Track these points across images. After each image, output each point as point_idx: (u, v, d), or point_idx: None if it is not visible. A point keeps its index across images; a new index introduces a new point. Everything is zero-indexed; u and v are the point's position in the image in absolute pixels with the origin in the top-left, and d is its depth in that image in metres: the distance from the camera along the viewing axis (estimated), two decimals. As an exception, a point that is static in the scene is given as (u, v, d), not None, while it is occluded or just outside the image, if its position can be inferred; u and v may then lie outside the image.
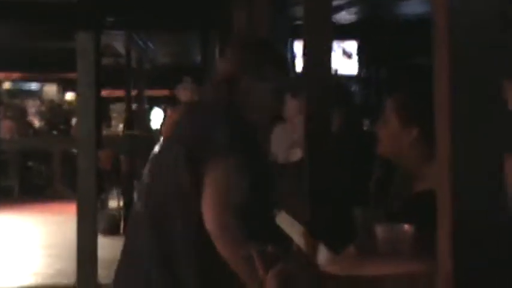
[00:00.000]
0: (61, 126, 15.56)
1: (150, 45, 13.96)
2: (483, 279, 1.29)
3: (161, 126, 7.37)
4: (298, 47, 10.45)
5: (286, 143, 4.82)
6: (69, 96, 18.39)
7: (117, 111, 18.13)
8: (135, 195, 2.68)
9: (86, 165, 5.63)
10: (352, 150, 3.93)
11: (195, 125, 2.44)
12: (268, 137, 4.81)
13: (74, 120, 14.43)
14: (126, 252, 2.54)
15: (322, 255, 2.15)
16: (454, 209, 1.29)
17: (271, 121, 2.73)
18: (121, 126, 14.78)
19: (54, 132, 15.73)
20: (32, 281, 7.12)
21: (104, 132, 12.32)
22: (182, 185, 2.34)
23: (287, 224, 2.84)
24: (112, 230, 9.19)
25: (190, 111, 2.64)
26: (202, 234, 2.29)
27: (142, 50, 14.02)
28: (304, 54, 2.86)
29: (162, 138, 2.70)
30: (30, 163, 13.77)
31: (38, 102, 18.34)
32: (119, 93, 14.62)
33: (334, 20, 11.20)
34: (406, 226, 1.86)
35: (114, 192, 10.93)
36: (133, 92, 14.23)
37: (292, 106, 4.40)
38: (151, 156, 2.56)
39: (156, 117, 17.06)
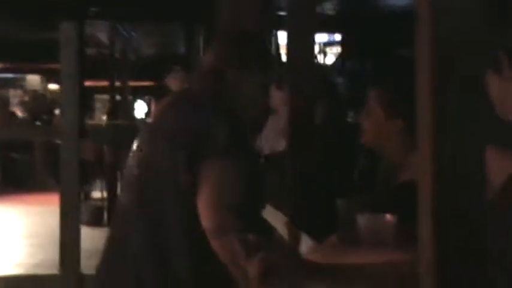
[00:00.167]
0: (44, 116, 15.48)
1: (134, 35, 13.91)
2: (464, 267, 1.30)
3: (146, 116, 7.35)
4: (282, 37, 10.44)
5: (272, 134, 4.83)
6: (53, 86, 18.31)
7: (101, 102, 18.08)
8: (120, 187, 2.64)
9: (69, 156, 5.59)
10: (336, 141, 3.94)
11: (189, 120, 2.39)
12: (257, 132, 4.81)
13: (57, 111, 14.37)
14: (112, 246, 2.49)
15: (305, 244, 2.17)
16: (435, 198, 1.29)
17: (259, 116, 2.72)
18: (104, 117, 14.73)
19: (38, 123, 15.66)
20: (15, 271, 7.10)
21: (88, 122, 12.28)
22: (180, 183, 2.31)
23: (270, 213, 2.85)
24: (95, 221, 9.17)
25: (179, 101, 2.58)
26: (198, 232, 2.27)
27: (127, 40, 13.97)
28: (288, 45, 2.86)
29: (145, 128, 2.68)
30: (12, 154, 13.71)
31: (20, 93, 18.24)
32: (103, 83, 14.57)
33: (318, 12, 11.21)
34: (388, 216, 1.87)
35: (98, 183, 10.91)
36: (117, 83, 14.19)
37: (277, 97, 4.41)
38: (136, 146, 2.52)
39: (140, 108, 17.02)
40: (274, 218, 2.81)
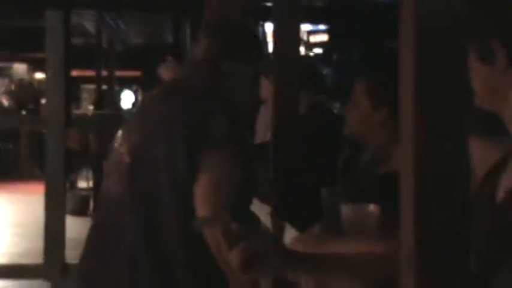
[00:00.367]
0: (30, 106, 15.43)
1: (121, 25, 13.86)
2: (446, 258, 1.30)
3: (133, 106, 7.32)
4: (268, 28, 10.43)
5: (263, 124, 4.83)
6: (40, 75, 18.23)
7: (87, 91, 18.03)
8: (106, 173, 2.57)
9: (54, 145, 5.58)
10: (321, 131, 3.95)
11: (185, 110, 2.37)
12: (251, 123, 4.81)
13: (43, 100, 14.31)
14: (102, 235, 2.45)
15: (289, 234, 2.17)
16: (417, 188, 1.29)
17: (253, 107, 2.71)
18: (91, 106, 14.69)
19: (24, 112, 15.59)
20: (-1, 260, 7.09)
21: (74, 112, 12.25)
22: (177, 173, 2.28)
23: (255, 203, 2.84)
24: (81, 211, 9.16)
25: (173, 92, 2.55)
26: (193, 222, 2.23)
27: (113, 30, 13.92)
28: (274, 35, 2.85)
29: (135, 117, 2.64)
30: (-2, 143, 13.67)
31: (7, 82, 18.15)
32: (90, 73, 14.53)
33: (306, 3, 11.21)
34: (372, 206, 1.87)
35: (84, 172, 10.88)
36: (104, 73, 14.14)
37: (267, 87, 4.40)
38: (123, 134, 2.46)
39: (127, 98, 16.99)
40: (259, 208, 2.81)
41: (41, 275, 5.48)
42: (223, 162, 2.27)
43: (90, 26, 13.35)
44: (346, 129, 2.51)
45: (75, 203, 9.30)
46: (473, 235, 1.33)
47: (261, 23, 9.96)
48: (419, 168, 1.30)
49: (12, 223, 8.96)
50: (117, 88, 15.97)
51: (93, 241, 2.47)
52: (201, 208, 2.24)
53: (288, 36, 2.81)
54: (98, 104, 12.21)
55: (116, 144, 2.46)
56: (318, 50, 12.79)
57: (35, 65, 18.13)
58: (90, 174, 10.19)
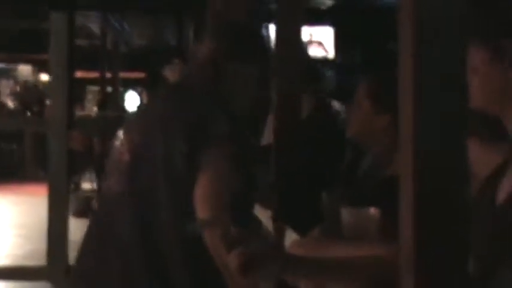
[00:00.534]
0: (35, 107, 15.45)
1: (126, 26, 13.87)
2: (445, 261, 1.29)
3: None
4: (271, 30, 10.41)
5: (269, 126, 4.83)
6: (45, 77, 18.25)
7: (92, 93, 18.04)
8: (107, 172, 2.56)
9: (57, 147, 5.58)
10: (323, 134, 3.94)
11: (184, 110, 2.35)
12: (258, 125, 4.79)
13: (48, 102, 14.32)
14: (97, 235, 2.43)
15: (289, 238, 2.16)
16: (416, 191, 1.29)
17: (258, 109, 2.68)
18: (95, 108, 14.70)
19: (29, 113, 15.61)
20: (2, 262, 7.08)
21: (78, 113, 12.26)
22: (175, 173, 2.26)
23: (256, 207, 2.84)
24: (85, 212, 9.15)
25: (174, 93, 2.54)
26: (192, 222, 2.21)
27: (118, 31, 13.93)
28: (276, 38, 2.84)
29: (137, 117, 2.63)
30: (2, 144, 13.68)
31: (12, 83, 18.18)
32: (95, 75, 14.53)
33: (311, 5, 11.20)
34: (372, 210, 1.86)
35: (87, 174, 10.88)
36: (108, 74, 14.15)
37: None
38: (124, 133, 2.45)
39: (132, 100, 16.98)
40: (261, 211, 2.80)
41: (44, 277, 5.48)
42: (223, 162, 2.24)
43: (95, 27, 13.36)
44: (348, 132, 2.50)
45: (78, 205, 9.31)
46: (473, 238, 1.32)
47: (267, 24, 9.95)
48: (418, 172, 1.29)
49: (16, 225, 8.97)
50: (121, 89, 15.97)
51: (91, 239, 2.45)
52: (201, 209, 2.21)
53: (290, 38, 2.80)
54: (102, 105, 12.21)
55: (117, 143, 2.45)
56: (322, 51, 12.77)
57: (40, 67, 18.15)
58: (94, 176, 10.19)
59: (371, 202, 1.95)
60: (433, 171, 1.29)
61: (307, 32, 12.17)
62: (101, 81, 13.65)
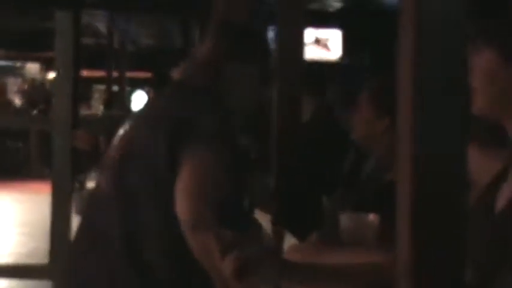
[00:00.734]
0: (41, 105, 15.47)
1: (133, 26, 13.87)
2: (442, 268, 1.28)
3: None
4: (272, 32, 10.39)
5: None
6: (53, 75, 18.27)
7: (99, 92, 18.06)
8: (100, 170, 2.53)
9: (61, 145, 5.58)
10: (325, 138, 3.92)
11: (178, 107, 2.31)
12: (259, 126, 4.77)
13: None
14: (86, 233, 2.38)
15: (288, 242, 2.14)
16: (414, 197, 1.27)
17: (259, 110, 2.64)
18: (101, 107, 14.71)
19: (35, 111, 15.63)
20: (5, 260, 7.08)
21: (84, 112, 12.27)
22: (159, 170, 2.21)
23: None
24: (89, 211, 9.15)
25: (169, 91, 2.53)
26: (175, 223, 2.16)
27: (125, 31, 13.93)
28: (277, 40, 2.82)
29: (133, 115, 2.62)
30: (8, 141, 13.70)
31: (20, 81, 18.22)
32: (102, 74, 14.54)
33: (318, 7, 11.18)
34: (371, 215, 1.84)
35: (93, 173, 10.88)
36: (115, 73, 14.16)
37: None
38: (121, 132, 2.43)
39: (139, 99, 16.97)
40: (260, 215, 2.78)
41: (46, 275, 5.46)
42: (207, 160, 2.17)
43: (101, 26, 13.37)
44: (352, 135, 2.49)
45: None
46: (473, 246, 1.30)
47: (268, 25, 9.93)
48: (416, 177, 1.28)
49: (21, 222, 8.97)
50: (128, 89, 15.97)
51: (78, 239, 2.42)
52: (181, 209, 2.15)
53: (291, 40, 2.78)
54: (108, 104, 12.21)
55: (115, 141, 2.43)
56: (327, 54, 12.75)
57: (49, 65, 18.18)
58: (99, 175, 10.19)
59: (371, 207, 1.93)
60: (432, 176, 1.28)
61: (314, 34, 12.16)
62: (107, 81, 13.65)
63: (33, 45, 15.89)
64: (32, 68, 19.17)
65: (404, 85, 1.30)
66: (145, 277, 2.24)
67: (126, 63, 14.67)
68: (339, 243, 1.85)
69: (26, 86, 17.68)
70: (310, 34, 11.91)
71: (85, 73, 13.87)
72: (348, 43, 12.84)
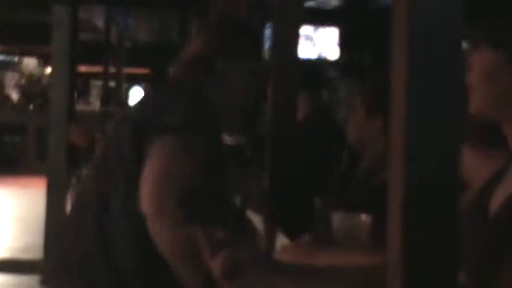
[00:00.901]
0: (38, 100, 15.45)
1: (131, 21, 13.85)
2: (433, 269, 1.27)
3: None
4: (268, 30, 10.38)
5: None
6: (50, 70, 18.24)
7: (96, 87, 18.04)
8: (87, 168, 2.51)
9: (57, 140, 5.58)
10: (320, 138, 3.91)
11: (155, 100, 2.31)
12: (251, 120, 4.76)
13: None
14: (68, 231, 2.36)
15: (280, 243, 2.13)
16: (405, 199, 1.26)
17: (253, 105, 2.60)
18: (99, 103, 14.70)
19: (32, 106, 15.62)
20: (0, 254, 7.07)
21: (81, 108, 12.25)
22: (126, 162, 2.16)
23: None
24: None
25: (160, 87, 2.52)
26: (142, 219, 2.09)
27: (122, 26, 13.91)
28: (273, 37, 2.81)
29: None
30: (4, 136, 13.68)
31: (17, 76, 18.19)
32: (100, 69, 14.53)
33: (314, 6, 11.18)
34: (364, 216, 1.83)
35: (89, 169, 10.87)
36: (112, 69, 14.14)
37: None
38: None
39: (136, 95, 16.96)
40: (252, 214, 2.77)
41: (40, 270, 5.45)
42: (173, 149, 2.10)
43: (99, 21, 13.35)
44: (348, 136, 2.49)
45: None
46: (466, 250, 1.30)
47: (264, 22, 9.91)
48: (408, 179, 1.27)
49: (17, 217, 8.96)
50: (125, 85, 15.96)
51: (61, 238, 2.40)
52: (144, 200, 2.08)
53: (286, 38, 2.77)
54: (105, 100, 12.20)
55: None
56: (325, 53, 12.73)
57: (46, 60, 18.16)
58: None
59: (364, 208, 1.92)
60: (424, 177, 1.27)
61: (310, 32, 12.16)
62: (104, 76, 13.63)
63: (31, 40, 15.86)
64: (30, 63, 19.13)
65: (397, 86, 1.29)
66: (116, 279, 2.18)
67: (123, 59, 14.66)
68: (332, 243, 1.84)
69: (23, 81, 17.65)
70: (306, 32, 11.91)
71: (82, 69, 13.86)
72: (344, 41, 12.82)
